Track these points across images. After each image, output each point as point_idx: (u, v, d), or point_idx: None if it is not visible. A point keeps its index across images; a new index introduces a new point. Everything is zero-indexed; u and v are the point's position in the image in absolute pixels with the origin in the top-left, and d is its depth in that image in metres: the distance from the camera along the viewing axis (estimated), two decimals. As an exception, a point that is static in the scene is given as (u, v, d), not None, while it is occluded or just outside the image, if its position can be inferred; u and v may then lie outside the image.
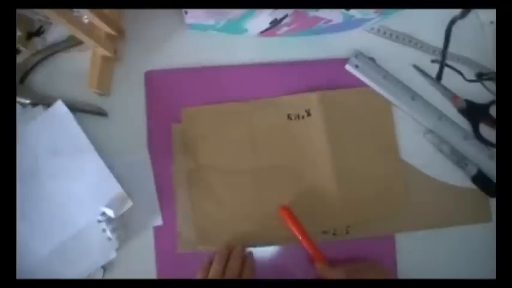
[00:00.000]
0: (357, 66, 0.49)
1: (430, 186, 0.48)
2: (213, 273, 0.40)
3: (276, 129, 0.47)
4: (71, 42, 0.46)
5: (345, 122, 0.47)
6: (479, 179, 0.48)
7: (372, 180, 0.47)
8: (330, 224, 0.46)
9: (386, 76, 0.49)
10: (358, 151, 0.47)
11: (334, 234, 0.46)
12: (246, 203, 0.46)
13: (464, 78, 0.51)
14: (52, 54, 0.46)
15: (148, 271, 0.44)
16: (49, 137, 0.44)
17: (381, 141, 0.48)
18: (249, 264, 0.43)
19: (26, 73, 0.46)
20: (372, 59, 0.49)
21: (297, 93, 0.48)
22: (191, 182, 0.46)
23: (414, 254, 0.47)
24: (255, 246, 0.45)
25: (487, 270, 0.42)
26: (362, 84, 0.49)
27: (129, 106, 0.47)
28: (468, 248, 0.48)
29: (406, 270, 0.46)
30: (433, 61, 0.51)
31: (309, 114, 0.47)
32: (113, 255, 0.43)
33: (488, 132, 0.49)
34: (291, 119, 0.47)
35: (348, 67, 0.49)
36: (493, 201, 0.48)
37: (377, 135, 0.48)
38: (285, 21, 0.42)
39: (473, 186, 0.49)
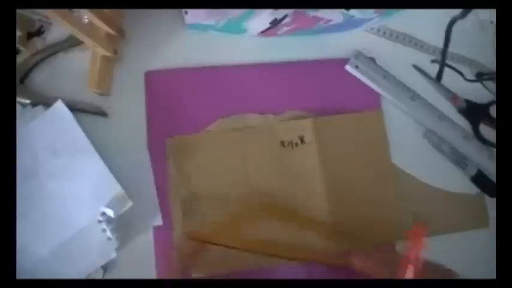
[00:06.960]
0: (357, 67, 0.49)
1: (429, 196, 0.48)
2: None
3: (268, 157, 0.46)
4: (71, 42, 0.46)
5: (340, 148, 0.47)
6: (479, 179, 0.48)
7: (369, 206, 0.46)
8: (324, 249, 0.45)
9: (386, 76, 0.49)
10: (353, 178, 0.47)
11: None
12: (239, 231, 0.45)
13: (464, 78, 0.51)
14: (52, 54, 0.46)
15: (148, 271, 0.44)
16: (49, 137, 0.44)
17: (377, 166, 0.48)
18: None
19: (26, 73, 0.46)
20: (372, 59, 0.49)
21: (297, 94, 0.48)
22: (183, 212, 0.45)
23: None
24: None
25: (486, 272, 0.42)
26: (361, 84, 0.49)
27: (129, 106, 0.46)
28: (466, 251, 0.47)
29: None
30: (433, 61, 0.51)
31: (302, 141, 0.46)
32: (113, 255, 0.43)
33: (488, 132, 0.49)
34: (284, 146, 0.47)
35: (348, 67, 0.49)
36: (492, 202, 0.49)
37: (373, 161, 0.48)
38: (285, 21, 0.42)
39: (471, 191, 0.49)
